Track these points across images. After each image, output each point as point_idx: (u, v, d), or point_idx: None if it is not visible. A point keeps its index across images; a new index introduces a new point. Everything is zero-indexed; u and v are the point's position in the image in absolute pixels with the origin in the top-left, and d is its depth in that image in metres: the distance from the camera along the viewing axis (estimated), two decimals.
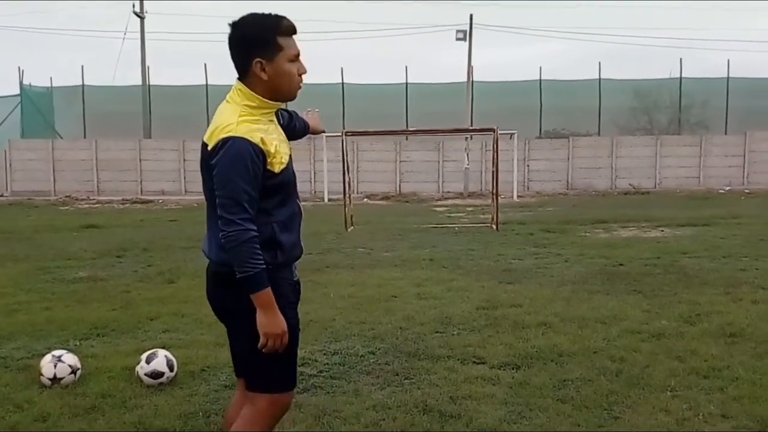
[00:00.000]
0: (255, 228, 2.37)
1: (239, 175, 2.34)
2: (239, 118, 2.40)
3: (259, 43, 2.42)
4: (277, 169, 2.45)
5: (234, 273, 2.38)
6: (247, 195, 2.35)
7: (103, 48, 75.70)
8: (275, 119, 2.59)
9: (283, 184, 2.50)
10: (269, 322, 2.40)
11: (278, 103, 2.53)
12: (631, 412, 3.79)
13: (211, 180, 2.42)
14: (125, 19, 45.77)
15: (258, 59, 2.42)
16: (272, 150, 2.42)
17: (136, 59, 32.45)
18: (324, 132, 3.25)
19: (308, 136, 3.17)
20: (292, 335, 2.51)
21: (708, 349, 4.85)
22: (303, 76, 2.52)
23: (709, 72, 35.14)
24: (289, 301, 2.55)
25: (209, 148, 2.41)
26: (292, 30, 2.47)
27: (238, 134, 2.35)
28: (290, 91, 2.50)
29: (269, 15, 2.46)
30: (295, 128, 2.93)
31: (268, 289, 2.38)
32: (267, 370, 2.52)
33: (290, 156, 2.58)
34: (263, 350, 2.43)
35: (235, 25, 2.44)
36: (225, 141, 2.36)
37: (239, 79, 2.49)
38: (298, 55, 2.48)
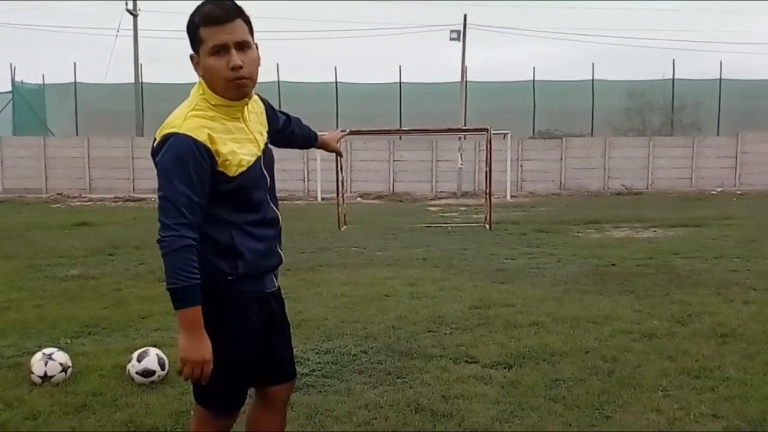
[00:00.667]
0: (193, 236, 2.13)
1: (178, 176, 2.11)
2: (190, 112, 2.20)
3: (189, 36, 2.22)
4: (232, 172, 2.20)
5: (204, 289, 2.19)
6: (186, 198, 2.11)
7: (96, 45, 75.43)
8: (245, 114, 2.32)
9: (242, 189, 2.24)
10: (189, 346, 2.15)
11: (234, 101, 2.25)
12: (623, 412, 3.79)
13: None
14: (118, 17, 45.63)
15: (192, 53, 2.24)
16: (223, 150, 2.18)
17: (129, 57, 32.30)
18: (339, 154, 3.08)
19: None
20: (226, 364, 2.26)
21: (699, 350, 4.86)
22: (238, 70, 2.17)
23: (701, 73, 35.46)
24: (246, 321, 2.33)
25: (155, 144, 2.22)
26: (214, 18, 2.15)
27: (181, 131, 2.14)
28: (220, 87, 2.20)
29: (199, 5, 2.20)
30: (293, 134, 2.74)
31: (196, 309, 2.13)
32: (199, 385, 2.31)
33: (260, 158, 2.31)
34: (181, 375, 2.21)
35: None
36: (167, 138, 2.16)
37: None
38: (223, 45, 2.15)
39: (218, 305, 2.27)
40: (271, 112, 2.54)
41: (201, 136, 2.15)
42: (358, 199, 25.45)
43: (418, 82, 32.86)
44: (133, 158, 29.66)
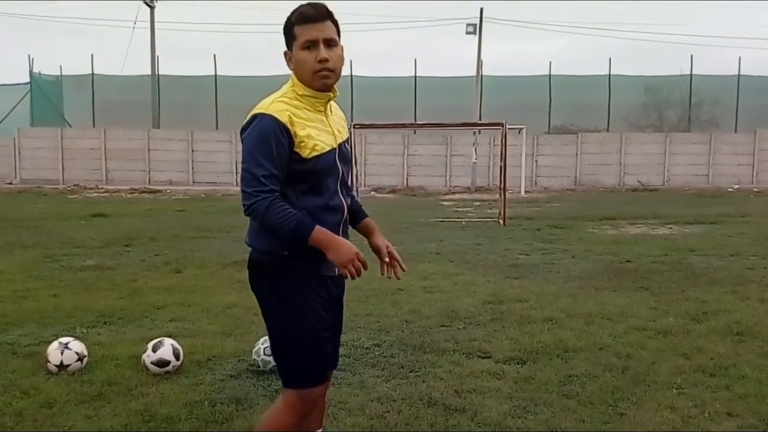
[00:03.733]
0: (274, 197, 2.36)
1: (260, 150, 2.37)
2: (278, 98, 2.46)
3: (285, 35, 2.49)
4: (306, 153, 2.43)
5: (263, 262, 2.50)
6: (265, 170, 2.36)
7: (113, 37, 75.82)
8: (328, 110, 2.57)
9: (313, 172, 2.46)
10: (335, 254, 2.39)
11: (321, 93, 2.50)
12: (637, 409, 3.77)
13: None
14: (135, 9, 45.79)
15: (285, 50, 2.51)
16: (301, 133, 2.42)
17: (146, 49, 32.48)
18: (378, 248, 2.73)
19: None
20: (293, 339, 2.50)
21: (714, 347, 4.83)
22: (325, 63, 2.44)
23: (719, 69, 35.06)
24: (302, 297, 2.50)
25: (244, 124, 2.46)
26: (308, 17, 2.44)
27: (267, 111, 2.40)
28: (308, 79, 2.47)
29: (296, 7, 2.49)
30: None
31: (317, 230, 2.38)
32: (282, 365, 2.58)
33: (335, 150, 2.52)
34: (348, 278, 2.43)
35: None
36: (254, 117, 2.42)
37: None
38: (313, 41, 2.43)
39: (277, 280, 2.51)
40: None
41: (283, 118, 2.40)
42: (372, 193, 25.45)
43: (434, 76, 32.80)
44: (149, 150, 29.84)
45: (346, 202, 2.61)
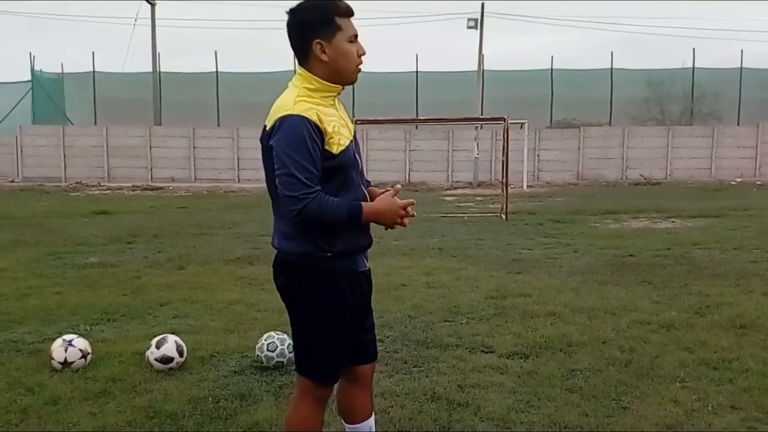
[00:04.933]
0: (318, 191, 2.37)
1: (297, 152, 2.35)
2: (296, 98, 2.42)
3: (318, 25, 2.44)
4: (335, 149, 2.43)
5: (297, 264, 2.50)
6: (307, 172, 2.34)
7: (114, 34, 75.73)
8: (337, 104, 2.55)
9: (342, 167, 2.47)
10: (381, 218, 2.48)
11: (337, 86, 2.50)
12: (640, 403, 3.78)
13: (272, 167, 2.42)
14: (136, 6, 45.79)
15: (318, 41, 2.44)
16: (330, 129, 2.41)
17: (147, 46, 32.44)
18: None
19: None
20: (322, 336, 2.54)
21: (718, 341, 4.83)
22: (363, 58, 2.51)
23: (722, 62, 35.01)
24: (340, 297, 2.52)
25: (267, 128, 2.44)
26: (349, 12, 2.48)
27: (294, 112, 2.38)
28: (350, 71, 2.49)
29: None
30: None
31: (364, 208, 2.44)
32: (301, 357, 2.64)
33: (352, 141, 2.54)
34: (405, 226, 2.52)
35: (293, 11, 2.47)
36: (282, 120, 2.38)
37: (300, 64, 2.51)
38: (356, 36, 2.48)
39: (313, 281, 2.51)
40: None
41: (312, 117, 2.39)
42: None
43: (435, 71, 32.74)
44: (151, 147, 29.82)
45: (366, 193, 2.63)
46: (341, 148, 2.44)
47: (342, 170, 2.47)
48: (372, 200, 2.64)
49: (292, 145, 2.35)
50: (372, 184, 2.77)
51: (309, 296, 2.51)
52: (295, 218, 2.37)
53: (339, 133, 2.45)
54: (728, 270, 7.58)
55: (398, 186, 2.56)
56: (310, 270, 2.49)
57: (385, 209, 2.46)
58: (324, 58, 2.44)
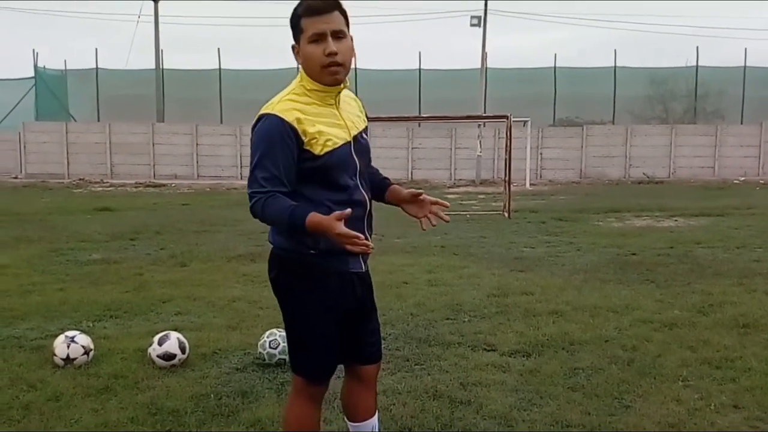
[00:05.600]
0: (270, 191, 2.33)
1: (263, 151, 2.35)
2: (285, 96, 2.42)
3: (292, 28, 2.44)
4: (318, 150, 2.38)
5: (288, 259, 2.48)
6: (266, 172, 2.33)
7: (118, 31, 75.82)
8: (339, 102, 2.49)
9: (327, 168, 2.41)
10: (327, 233, 2.27)
11: (329, 87, 2.43)
12: (642, 401, 3.77)
13: None
14: (139, 3, 45.79)
15: (293, 44, 2.45)
16: (311, 130, 2.37)
17: (150, 43, 32.43)
18: (408, 199, 2.67)
19: None
20: (310, 335, 2.53)
21: (720, 340, 4.82)
22: (333, 57, 2.36)
23: (725, 61, 34.96)
24: (326, 295, 2.49)
25: (252, 124, 2.44)
26: (314, 9, 2.36)
27: (273, 111, 2.36)
28: (316, 73, 2.40)
29: None
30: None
31: (312, 214, 2.27)
32: (293, 354, 2.64)
33: (349, 143, 2.46)
34: (356, 252, 2.32)
35: None
36: (260, 118, 2.39)
37: None
38: (321, 34, 2.35)
39: (302, 277, 2.50)
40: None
41: (289, 117, 2.35)
42: None
43: (438, 68, 32.65)
44: (153, 144, 29.82)
45: (367, 196, 2.57)
46: (326, 149, 2.39)
47: (328, 171, 2.42)
48: (395, 200, 2.65)
49: (261, 144, 2.35)
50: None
51: (297, 291, 2.52)
52: (251, 213, 2.39)
53: (325, 134, 2.39)
54: (731, 269, 7.56)
55: (348, 211, 2.29)
56: (297, 265, 2.49)
57: (326, 226, 2.26)
58: (299, 61, 2.44)
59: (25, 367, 4.37)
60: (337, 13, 2.39)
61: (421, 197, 2.66)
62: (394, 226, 11.72)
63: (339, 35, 2.38)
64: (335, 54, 2.36)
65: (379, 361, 2.82)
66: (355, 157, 2.50)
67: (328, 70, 2.39)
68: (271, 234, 2.56)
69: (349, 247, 2.28)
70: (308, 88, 2.43)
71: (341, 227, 2.26)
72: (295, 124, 2.35)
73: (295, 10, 2.42)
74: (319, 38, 2.36)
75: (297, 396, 2.65)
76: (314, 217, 2.30)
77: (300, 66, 2.47)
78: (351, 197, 2.48)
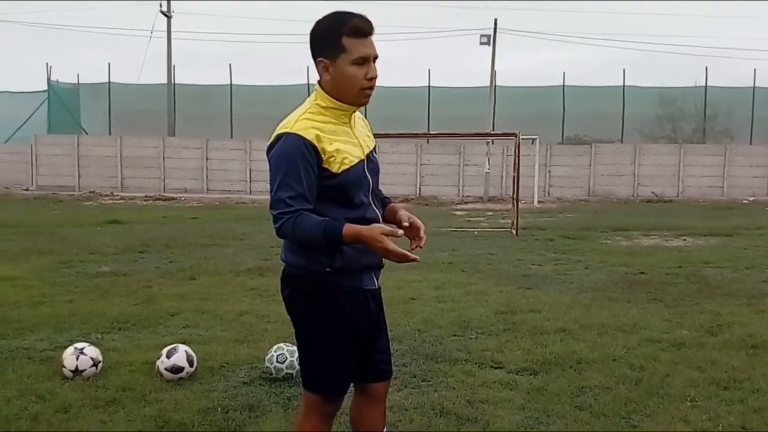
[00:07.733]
0: (297, 210, 2.33)
1: (285, 170, 2.34)
2: (301, 115, 2.41)
3: (323, 43, 2.40)
4: (336, 168, 2.39)
5: (301, 278, 2.48)
6: (292, 191, 2.33)
7: (130, 46, 76.58)
8: (353, 121, 2.51)
9: (345, 186, 2.42)
10: (363, 241, 2.33)
11: (349, 105, 2.46)
12: (650, 422, 3.76)
13: None
14: (152, 18, 46.25)
15: (321, 59, 2.41)
16: (329, 149, 2.38)
17: (162, 58, 32.75)
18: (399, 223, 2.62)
19: None
20: (324, 352, 2.52)
21: (729, 360, 4.79)
22: (373, 81, 2.41)
23: (734, 81, 34.94)
24: (339, 313, 2.48)
25: (269, 143, 2.43)
26: (361, 31, 2.37)
27: (292, 130, 2.36)
28: (352, 95, 2.42)
29: (341, 14, 2.40)
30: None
31: (345, 228, 2.31)
32: (306, 371, 2.63)
33: (363, 161, 2.48)
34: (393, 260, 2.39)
35: (312, 26, 2.44)
36: (279, 137, 2.39)
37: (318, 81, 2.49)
38: (366, 57, 2.38)
39: (315, 295, 2.49)
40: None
41: (309, 136, 2.36)
42: None
43: (447, 86, 32.80)
44: (164, 158, 30.03)
45: (379, 213, 2.58)
46: (344, 167, 2.41)
47: (344, 189, 2.43)
48: (392, 219, 2.63)
49: (282, 163, 2.35)
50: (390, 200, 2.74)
51: (311, 310, 2.50)
52: (277, 235, 2.39)
53: (342, 152, 2.41)
54: (740, 289, 7.53)
55: (400, 232, 2.40)
56: (312, 284, 2.48)
57: (368, 235, 2.32)
58: (327, 77, 2.42)
59: (34, 378, 4.39)
60: (373, 37, 2.43)
61: (407, 224, 2.60)
62: (401, 242, 11.74)
63: (376, 60, 2.43)
64: (376, 78, 2.41)
65: (389, 379, 2.81)
66: (368, 174, 2.52)
67: (365, 93, 2.43)
68: (284, 252, 2.55)
69: (396, 262, 2.39)
70: (323, 105, 2.43)
71: (390, 244, 2.33)
72: (315, 142, 2.36)
73: (333, 25, 2.38)
74: (364, 61, 2.38)
75: (309, 414, 2.62)
76: (350, 228, 2.33)
77: (320, 82, 2.45)
78: (365, 215, 2.49)
